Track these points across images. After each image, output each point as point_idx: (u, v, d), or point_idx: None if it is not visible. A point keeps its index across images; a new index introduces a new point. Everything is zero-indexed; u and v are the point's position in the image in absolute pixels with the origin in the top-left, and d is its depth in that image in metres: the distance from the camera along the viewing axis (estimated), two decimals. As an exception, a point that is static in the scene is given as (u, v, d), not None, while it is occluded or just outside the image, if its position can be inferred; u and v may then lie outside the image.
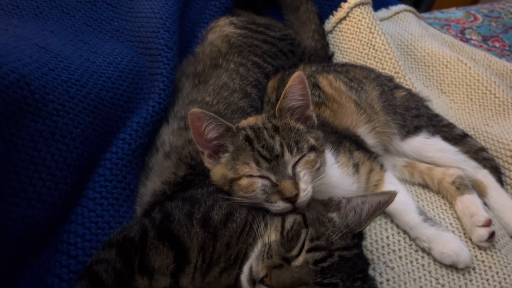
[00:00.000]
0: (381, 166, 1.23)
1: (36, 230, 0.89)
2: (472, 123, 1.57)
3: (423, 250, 1.10)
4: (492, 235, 1.10)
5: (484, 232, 1.10)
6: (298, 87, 0.97)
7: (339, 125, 1.23)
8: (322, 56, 1.67)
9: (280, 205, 0.90)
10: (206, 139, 0.95)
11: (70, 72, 1.05)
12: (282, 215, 0.90)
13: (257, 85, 1.32)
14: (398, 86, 1.48)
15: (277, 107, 0.98)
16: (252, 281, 0.80)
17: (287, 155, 0.92)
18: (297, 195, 0.90)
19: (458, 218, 1.19)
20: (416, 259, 1.10)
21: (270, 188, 0.91)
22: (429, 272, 1.07)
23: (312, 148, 0.97)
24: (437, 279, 1.06)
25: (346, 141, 1.19)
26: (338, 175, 1.09)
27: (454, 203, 1.21)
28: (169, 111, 1.22)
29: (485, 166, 1.32)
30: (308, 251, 0.80)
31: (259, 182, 0.91)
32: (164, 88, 1.20)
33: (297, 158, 0.93)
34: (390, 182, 1.20)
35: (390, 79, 1.51)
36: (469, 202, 1.17)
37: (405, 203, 1.15)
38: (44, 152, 0.92)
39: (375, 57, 1.68)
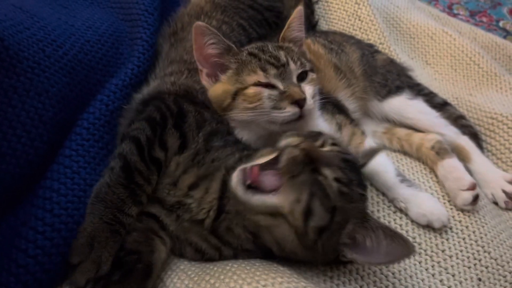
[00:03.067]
0: (362, 132, 1.24)
1: (11, 186, 0.89)
2: (456, 93, 1.58)
3: (401, 211, 1.12)
4: (476, 198, 1.11)
5: (468, 196, 1.11)
6: (300, 20, 1.03)
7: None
8: (306, 25, 1.65)
9: (289, 110, 0.92)
10: (206, 55, 0.97)
11: (47, 32, 1.04)
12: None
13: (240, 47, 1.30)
14: (378, 51, 1.48)
15: (281, 36, 1.02)
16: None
17: (292, 64, 0.95)
18: (305, 99, 0.91)
19: (439, 182, 1.20)
20: (394, 219, 1.11)
21: (277, 95, 0.92)
22: (406, 231, 1.08)
23: (312, 70, 1.01)
24: (414, 237, 1.07)
25: (329, 105, 1.20)
26: (322, 122, 1.10)
27: (435, 168, 1.22)
28: (150, 74, 1.21)
29: (464, 133, 1.33)
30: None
31: (266, 91, 0.93)
32: (143, 52, 1.19)
33: (299, 70, 0.96)
34: (370, 147, 1.20)
35: (371, 45, 1.51)
36: (451, 166, 1.18)
37: (384, 164, 1.15)
38: (19, 109, 0.91)
39: (360, 28, 1.68)
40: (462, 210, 1.12)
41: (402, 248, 0.78)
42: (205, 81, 1.00)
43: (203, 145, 0.93)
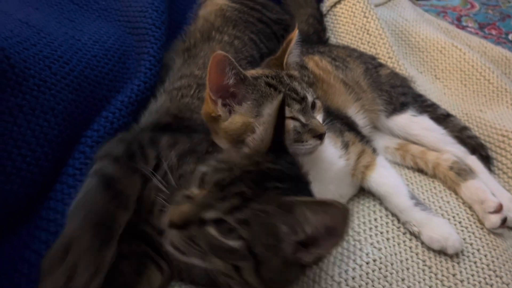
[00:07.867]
0: (374, 150, 1.21)
1: (15, 205, 0.87)
2: (466, 109, 1.56)
3: (412, 233, 1.09)
4: (504, 221, 1.08)
5: (496, 220, 1.08)
6: (297, 44, 1.03)
7: (331, 106, 1.22)
8: (314, 42, 1.64)
9: (311, 143, 0.93)
10: (223, 85, 0.93)
11: (53, 48, 1.03)
12: None
13: (252, 62, 1.27)
14: (381, 64, 1.47)
15: (284, 61, 1.02)
16: None
17: (309, 96, 0.96)
18: (325, 132, 0.94)
19: (449, 202, 1.17)
20: (404, 241, 1.08)
21: (300, 128, 0.93)
22: (417, 254, 1.05)
23: (317, 97, 1.02)
24: (424, 261, 1.04)
25: (337, 122, 1.18)
26: (325, 143, 1.06)
27: (458, 189, 1.19)
28: (158, 89, 1.19)
29: (469, 144, 1.32)
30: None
31: (291, 124, 0.92)
32: (150, 67, 1.18)
33: (312, 99, 0.97)
34: (382, 166, 1.17)
35: (373, 57, 1.50)
36: (475, 188, 1.15)
37: (397, 186, 1.13)
38: (24, 128, 0.90)
39: (369, 42, 1.66)
40: (473, 232, 1.10)
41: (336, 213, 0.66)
42: (221, 111, 0.95)
43: (176, 161, 0.91)
